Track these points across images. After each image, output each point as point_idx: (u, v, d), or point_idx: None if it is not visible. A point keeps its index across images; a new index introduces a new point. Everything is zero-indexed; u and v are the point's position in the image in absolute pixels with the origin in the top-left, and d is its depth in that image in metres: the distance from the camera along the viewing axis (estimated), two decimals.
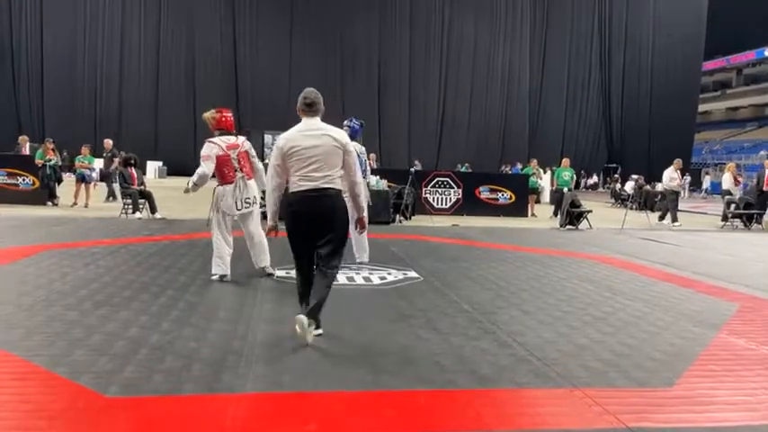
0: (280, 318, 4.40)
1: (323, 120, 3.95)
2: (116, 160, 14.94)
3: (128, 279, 5.55)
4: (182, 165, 33.31)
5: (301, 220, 3.84)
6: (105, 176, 15.42)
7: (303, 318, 3.68)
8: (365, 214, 4.21)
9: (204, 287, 5.34)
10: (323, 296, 3.83)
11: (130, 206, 11.16)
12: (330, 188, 3.80)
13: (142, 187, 11.52)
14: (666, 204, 15.35)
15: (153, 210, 11.27)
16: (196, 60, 36.79)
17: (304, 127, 3.89)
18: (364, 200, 4.15)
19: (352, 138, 7.07)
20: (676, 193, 15.24)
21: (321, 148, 3.79)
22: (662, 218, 15.18)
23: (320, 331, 3.87)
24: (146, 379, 3.09)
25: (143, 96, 35.69)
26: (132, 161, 11.75)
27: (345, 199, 3.96)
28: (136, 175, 11.49)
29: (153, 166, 30.30)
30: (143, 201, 11.32)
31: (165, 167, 31.88)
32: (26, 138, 16.04)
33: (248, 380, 3.14)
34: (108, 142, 15.95)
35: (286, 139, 3.87)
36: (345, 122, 7.25)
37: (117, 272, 5.88)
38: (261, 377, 3.20)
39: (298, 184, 3.81)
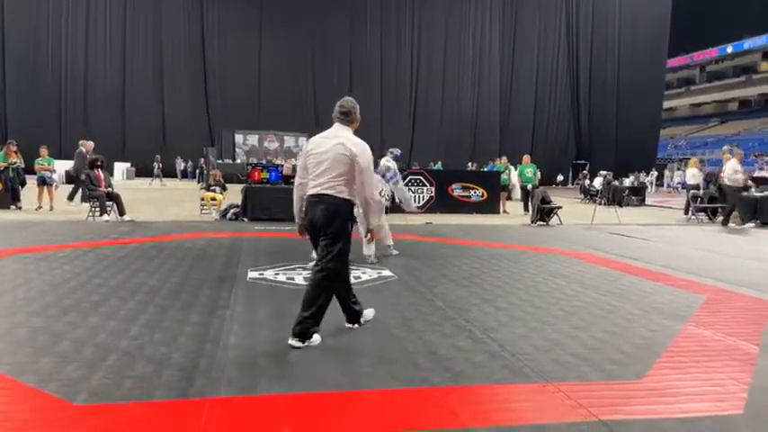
0: (252, 320, 4.36)
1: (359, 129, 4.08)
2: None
3: (95, 283, 5.42)
4: (150, 166, 32.80)
5: (309, 222, 3.91)
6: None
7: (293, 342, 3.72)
8: (371, 227, 4.18)
9: (175, 290, 5.25)
10: (310, 304, 3.76)
11: (98, 209, 10.92)
12: (328, 194, 3.80)
13: (109, 189, 11.28)
14: (731, 205, 12.93)
15: (121, 212, 11.05)
16: (164, 59, 36.25)
17: (328, 132, 3.98)
18: (374, 215, 4.19)
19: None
20: (742, 189, 12.94)
21: (329, 153, 3.83)
22: (726, 221, 12.81)
23: (313, 340, 3.77)
24: (115, 386, 3.02)
25: (110, 97, 35.03)
26: (99, 163, 11.49)
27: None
28: (103, 177, 11.24)
29: (121, 168, 29.73)
30: (110, 203, 11.08)
31: (134, 169, 31.30)
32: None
33: (221, 384, 3.09)
34: (89, 144, 15.46)
35: (309, 141, 4.06)
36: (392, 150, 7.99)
37: (84, 276, 5.74)
38: (234, 381, 3.15)
39: (309, 187, 3.91)
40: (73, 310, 4.48)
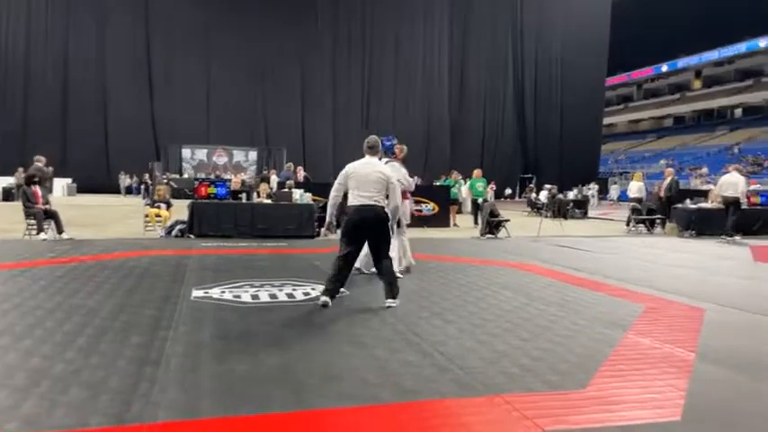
0: (196, 341, 4.23)
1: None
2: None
3: (30, 305, 5.16)
4: (93, 182, 31.70)
5: (356, 225, 5.43)
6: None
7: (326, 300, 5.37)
8: (393, 224, 5.94)
9: (115, 311, 5.05)
10: (393, 278, 5.57)
11: (34, 227, 10.44)
12: (374, 204, 5.42)
13: (47, 206, 10.81)
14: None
15: (59, 230, 10.60)
16: (107, 72, 35.17)
17: (364, 161, 5.61)
18: (398, 213, 6.09)
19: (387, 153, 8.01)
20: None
21: (371, 176, 5.46)
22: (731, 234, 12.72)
23: (395, 302, 5.43)
24: (47, 413, 2.87)
25: (49, 111, 33.67)
26: (36, 179, 11.01)
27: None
28: (40, 194, 10.77)
29: (61, 183, 28.57)
30: (48, 221, 10.61)
31: (75, 185, 30.15)
32: None
33: (161, 408, 2.98)
34: (43, 159, 14.68)
35: (351, 167, 5.57)
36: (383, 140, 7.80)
37: (18, 298, 5.45)
38: (175, 404, 3.04)
39: (355, 200, 5.45)
40: (6, 333, 4.24)
